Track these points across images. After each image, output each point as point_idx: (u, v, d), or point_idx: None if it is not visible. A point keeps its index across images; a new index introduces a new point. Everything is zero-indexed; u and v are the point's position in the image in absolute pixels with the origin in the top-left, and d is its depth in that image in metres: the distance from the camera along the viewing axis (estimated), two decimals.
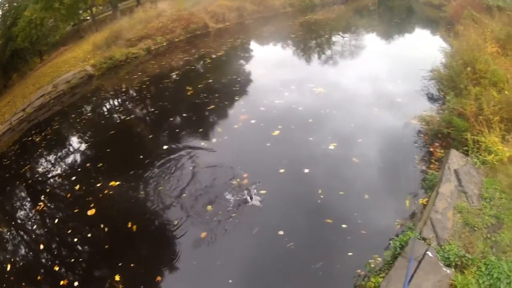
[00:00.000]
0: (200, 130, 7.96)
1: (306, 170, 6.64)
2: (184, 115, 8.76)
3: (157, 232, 5.65)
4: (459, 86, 8.17)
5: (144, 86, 9.98)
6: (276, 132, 7.70)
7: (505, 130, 7.56)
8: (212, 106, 8.90)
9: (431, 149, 7.50)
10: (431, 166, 6.97)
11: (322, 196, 6.17)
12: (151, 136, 7.87)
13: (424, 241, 5.43)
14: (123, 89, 10.06)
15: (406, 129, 8.01)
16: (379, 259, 5.19)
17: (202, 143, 7.51)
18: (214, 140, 7.69)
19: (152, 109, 9.19)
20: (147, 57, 11.98)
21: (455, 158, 6.53)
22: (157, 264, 5.21)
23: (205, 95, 9.16)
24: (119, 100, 9.76)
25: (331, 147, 7.36)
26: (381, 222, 5.72)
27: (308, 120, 8.18)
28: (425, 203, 6.16)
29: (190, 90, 9.43)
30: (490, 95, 7.80)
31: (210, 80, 9.95)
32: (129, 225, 5.63)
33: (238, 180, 6.50)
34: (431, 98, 9.56)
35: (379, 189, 6.34)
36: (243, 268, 4.98)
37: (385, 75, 10.13)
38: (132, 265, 5.12)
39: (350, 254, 5.25)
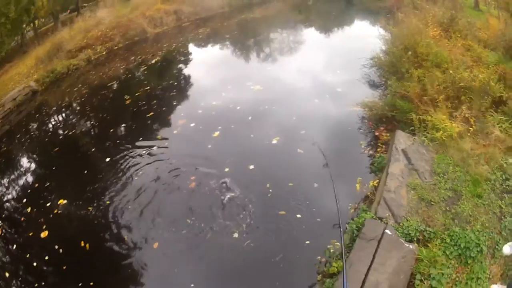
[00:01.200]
0: (141, 139, 8.00)
1: (251, 167, 6.92)
2: (124, 125, 8.83)
3: (110, 248, 5.84)
4: (401, 70, 8.68)
5: (84, 99, 10.38)
6: (216, 133, 8.05)
7: (452, 107, 7.93)
8: (151, 113, 9.01)
9: (377, 134, 7.91)
10: (378, 149, 7.33)
11: (271, 190, 6.42)
12: (93, 149, 7.85)
13: (381, 220, 5.59)
14: (65, 103, 10.32)
15: (349, 117, 8.42)
16: (338, 243, 5.39)
17: (143, 152, 7.52)
18: (155, 148, 7.71)
19: (93, 122, 9.30)
20: (88, 67, 12.18)
21: (402, 139, 6.82)
22: (116, 279, 5.43)
23: (143, 102, 9.37)
24: (62, 115, 10.02)
25: (274, 141, 7.66)
26: (335, 208, 5.99)
27: (248, 118, 8.55)
28: (376, 184, 6.31)
29: (128, 99, 9.83)
30: (434, 76, 8.31)
31: (148, 87, 10.28)
32: (82, 244, 5.83)
33: (185, 185, 6.76)
34: (373, 85, 10.09)
35: (327, 177, 6.65)
36: (202, 273, 5.21)
37: (325, 67, 10.76)
38: (91, 283, 5.28)
39: (307, 242, 5.48)
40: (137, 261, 5.36)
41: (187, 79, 11.38)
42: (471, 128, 7.62)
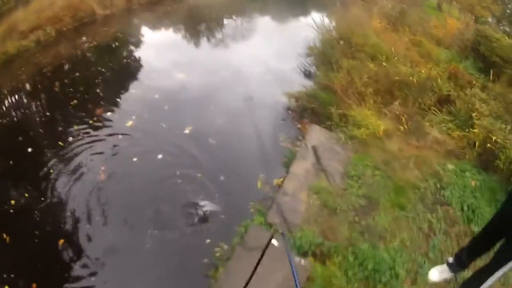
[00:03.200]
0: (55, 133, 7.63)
1: (160, 156, 6.97)
2: (42, 113, 8.54)
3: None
4: (331, 60, 8.24)
5: (31, 81, 9.92)
6: (130, 123, 7.90)
7: (382, 103, 7.61)
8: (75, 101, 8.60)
9: (299, 125, 7.84)
10: (298, 143, 7.17)
11: (179, 181, 6.41)
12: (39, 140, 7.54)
13: (270, 227, 5.16)
14: (13, 86, 9.73)
15: (274, 107, 8.46)
16: (226, 246, 5.19)
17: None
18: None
19: (37, 105, 8.94)
20: (37, 49, 11.87)
21: (316, 134, 6.40)
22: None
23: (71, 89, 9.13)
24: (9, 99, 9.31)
25: (187, 131, 7.64)
26: (237, 205, 5.93)
27: (164, 107, 8.53)
28: (281, 183, 5.74)
29: (57, 86, 9.33)
30: (364, 68, 8.35)
31: (77, 74, 10.04)
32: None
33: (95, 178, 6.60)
34: (307, 76, 10.07)
35: (235, 170, 6.70)
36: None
37: (263, 55, 10.99)
38: None
39: (208, 241, 5.38)
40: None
41: (133, 62, 11.30)
42: (401, 127, 7.40)
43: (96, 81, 9.70)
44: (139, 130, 7.61)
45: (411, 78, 8.21)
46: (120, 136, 7.46)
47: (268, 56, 10.89)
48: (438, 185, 5.97)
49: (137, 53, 11.88)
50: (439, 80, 8.18)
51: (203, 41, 13.18)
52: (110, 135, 7.52)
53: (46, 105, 8.73)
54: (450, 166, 6.75)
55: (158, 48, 11.96)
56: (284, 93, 8.58)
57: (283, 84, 9.30)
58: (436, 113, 7.95)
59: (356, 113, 7.08)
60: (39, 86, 9.56)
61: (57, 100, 8.69)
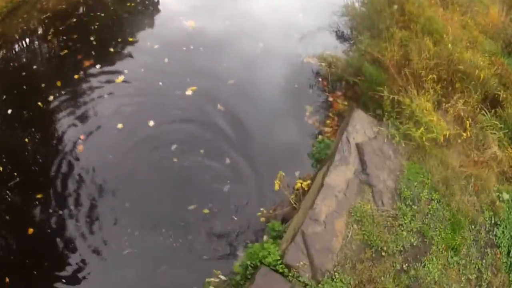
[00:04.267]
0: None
1: (152, 123, 5.65)
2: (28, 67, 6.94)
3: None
4: (378, 26, 5.79)
5: (41, 26, 8.05)
6: (120, 78, 6.42)
7: (442, 95, 5.70)
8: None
9: (331, 99, 6.29)
10: (328, 122, 5.80)
11: (176, 160, 5.17)
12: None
13: (288, 271, 3.34)
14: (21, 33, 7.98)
15: (300, 69, 6.81)
16: (222, 277, 3.88)
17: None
18: None
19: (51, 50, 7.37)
20: None
21: (360, 124, 4.01)
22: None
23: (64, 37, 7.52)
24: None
25: (189, 92, 6.22)
26: (247, 209, 4.75)
27: (164, 60, 6.86)
28: (306, 187, 4.33)
29: (51, 34, 7.70)
30: (424, 44, 6.00)
31: (74, 19, 8.05)
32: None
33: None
34: (340, 37, 7.89)
35: (246, 154, 5.29)
36: None
37: (288, 7, 8.75)
38: None
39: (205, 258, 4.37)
40: None
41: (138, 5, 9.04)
42: (464, 134, 5.33)
43: (92, 27, 7.96)
44: (129, 88, 6.23)
45: (477, 70, 5.77)
46: (105, 95, 6.12)
47: (294, 10, 8.66)
48: (493, 220, 4.73)
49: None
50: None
51: None
52: (93, 99, 6.10)
53: (33, 57, 7.34)
54: (506, 196, 5.17)
55: None
56: (313, 54, 6.83)
57: (310, 44, 7.25)
58: (485, 114, 5.86)
59: (415, 105, 4.61)
60: (34, 34, 8.04)
61: (47, 50, 7.45)
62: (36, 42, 7.63)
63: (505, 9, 12.68)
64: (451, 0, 9.14)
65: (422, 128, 4.84)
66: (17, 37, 7.62)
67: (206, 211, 4.77)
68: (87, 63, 6.69)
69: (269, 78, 6.52)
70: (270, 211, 4.39)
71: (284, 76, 6.57)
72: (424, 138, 4.71)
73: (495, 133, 5.79)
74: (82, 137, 5.39)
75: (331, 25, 7.94)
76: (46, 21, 7.96)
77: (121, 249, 4.38)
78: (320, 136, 5.24)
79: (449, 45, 6.06)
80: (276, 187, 4.28)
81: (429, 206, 4.40)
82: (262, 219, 4.44)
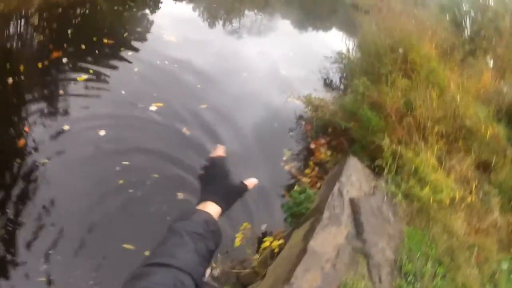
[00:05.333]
0: None
1: (102, 133, 4.68)
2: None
3: None
4: (379, 71, 4.98)
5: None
6: (83, 77, 5.74)
7: (446, 151, 5.05)
8: None
9: (313, 146, 5.44)
10: (306, 172, 4.93)
11: (121, 182, 4.13)
12: None
13: None
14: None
15: (281, 109, 6.13)
16: None
17: None
18: None
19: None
20: None
21: (356, 176, 3.18)
22: None
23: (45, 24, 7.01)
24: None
25: (153, 107, 5.36)
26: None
27: (134, 78, 6.08)
28: (276, 248, 3.39)
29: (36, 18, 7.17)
30: (429, 94, 5.27)
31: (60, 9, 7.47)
32: None
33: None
34: (328, 85, 7.35)
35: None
36: None
37: (276, 56, 8.27)
38: None
39: None
40: None
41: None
42: (469, 198, 4.57)
43: (74, 21, 7.53)
44: (87, 89, 5.48)
45: (482, 127, 5.09)
46: (60, 91, 5.39)
47: (282, 58, 8.24)
48: None
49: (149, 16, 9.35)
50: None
51: (218, 24, 10.79)
52: (48, 92, 5.39)
53: (11, 36, 6.74)
54: (504, 266, 4.49)
55: (171, 18, 9.28)
56: (298, 96, 5.94)
57: (296, 88, 6.46)
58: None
59: (419, 160, 3.78)
60: (20, 15, 7.27)
61: (26, 33, 6.93)
62: (20, 22, 7.13)
63: (497, 75, 12.38)
64: (450, 58, 8.69)
65: (427, 188, 3.98)
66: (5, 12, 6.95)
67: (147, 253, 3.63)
68: (55, 54, 6.01)
69: (245, 113, 5.85)
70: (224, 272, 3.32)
71: (263, 114, 5.87)
72: (429, 199, 3.82)
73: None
74: (27, 129, 4.54)
75: (321, 71, 7.44)
76: (36, 5, 7.42)
77: None
78: (297, 187, 4.25)
79: (457, 97, 5.38)
80: (237, 242, 3.29)
81: (433, 283, 3.50)
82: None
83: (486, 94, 9.54)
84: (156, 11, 9.94)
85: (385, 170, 3.92)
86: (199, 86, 6.25)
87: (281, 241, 3.34)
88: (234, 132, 5.36)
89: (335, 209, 3.02)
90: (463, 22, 10.37)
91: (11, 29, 6.83)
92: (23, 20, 7.18)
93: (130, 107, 5.29)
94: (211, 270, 3.32)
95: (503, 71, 13.61)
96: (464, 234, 4.44)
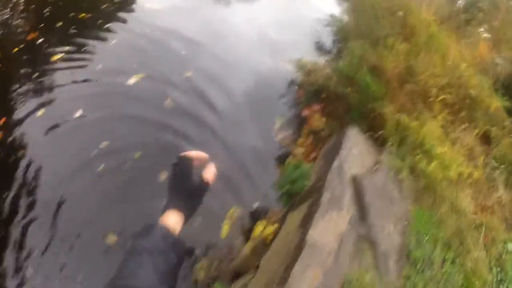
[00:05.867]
0: None
1: (79, 113, 4.19)
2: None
3: None
4: (377, 33, 4.36)
5: None
6: (56, 57, 5.09)
7: (450, 121, 4.44)
8: None
9: (306, 113, 4.83)
10: (300, 141, 4.32)
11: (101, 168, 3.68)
12: None
13: None
14: None
15: (272, 74, 5.50)
16: None
17: None
18: None
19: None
20: None
21: (358, 149, 2.56)
22: None
23: None
24: None
25: (132, 80, 4.73)
26: None
27: (111, 42, 5.55)
28: (271, 234, 2.81)
29: None
30: (432, 60, 4.75)
31: None
32: None
33: None
34: (321, 48, 6.55)
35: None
36: None
37: (271, 21, 7.47)
38: None
39: None
40: None
41: None
42: (475, 172, 4.03)
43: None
44: (63, 71, 4.88)
45: (487, 98, 4.64)
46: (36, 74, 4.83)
47: (271, 23, 7.46)
48: (499, 277, 3.55)
49: None
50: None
51: None
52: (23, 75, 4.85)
53: None
54: (510, 247, 4.02)
55: None
56: (289, 60, 5.39)
57: (287, 51, 5.95)
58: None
59: (425, 130, 3.24)
60: None
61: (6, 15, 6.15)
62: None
63: (492, 46, 11.90)
64: (447, 25, 8.16)
65: (435, 162, 3.46)
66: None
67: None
68: (31, 36, 5.51)
69: (234, 78, 5.28)
70: (213, 267, 2.79)
71: (253, 79, 5.25)
72: (440, 176, 3.31)
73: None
74: (3, 120, 4.08)
75: (313, 35, 6.71)
76: None
77: None
78: (291, 158, 3.70)
79: (461, 64, 4.87)
80: (224, 232, 2.74)
81: (443, 270, 3.09)
82: (201, 274, 2.83)
83: (483, 63, 9.07)
84: None
85: (387, 143, 3.36)
86: (183, 52, 5.64)
87: (275, 226, 2.80)
88: (222, 98, 4.82)
89: (335, 189, 2.47)
90: None
91: None
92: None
93: (109, 82, 4.74)
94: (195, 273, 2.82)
95: (498, 43, 13.15)
96: (471, 212, 4.01)
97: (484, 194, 4.41)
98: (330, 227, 2.29)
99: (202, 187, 0.96)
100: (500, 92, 6.88)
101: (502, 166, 4.68)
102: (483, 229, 3.86)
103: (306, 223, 2.27)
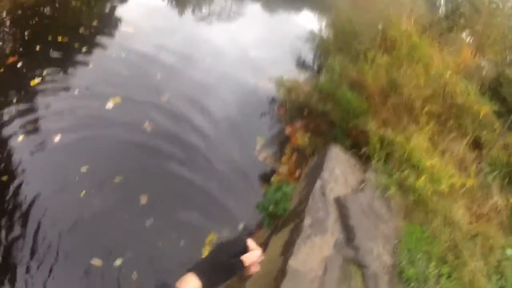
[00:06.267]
0: None
1: (58, 138, 4.13)
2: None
3: None
4: (356, 48, 4.41)
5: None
6: (36, 81, 5.07)
7: (437, 132, 4.45)
8: None
9: (288, 131, 4.81)
10: (283, 159, 4.27)
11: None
12: None
13: None
14: None
15: (253, 93, 5.50)
16: None
17: None
18: None
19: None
20: None
21: (340, 169, 2.41)
22: None
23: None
24: None
25: (109, 104, 4.71)
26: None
27: (89, 66, 5.50)
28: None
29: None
30: (415, 71, 4.73)
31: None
32: None
33: None
34: (301, 65, 6.54)
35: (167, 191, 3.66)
36: None
37: (246, 41, 7.53)
38: None
39: None
40: None
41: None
42: (468, 181, 3.96)
43: (31, 22, 6.63)
44: (42, 95, 4.85)
45: (475, 105, 4.61)
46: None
47: (252, 41, 7.50)
48: (499, 284, 3.50)
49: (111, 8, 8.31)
50: None
51: (187, 12, 9.71)
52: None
53: None
54: (509, 252, 4.04)
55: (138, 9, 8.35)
56: (270, 78, 5.29)
57: (267, 70, 5.86)
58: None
59: (412, 145, 3.19)
60: None
61: None
62: None
63: (476, 51, 11.90)
64: (429, 34, 8.18)
65: (424, 176, 3.38)
66: None
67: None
68: (10, 60, 5.44)
69: (214, 100, 5.18)
70: None
71: (234, 99, 5.20)
72: (429, 190, 3.22)
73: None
74: None
75: (293, 52, 6.68)
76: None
77: None
78: (275, 177, 3.62)
79: (445, 73, 4.85)
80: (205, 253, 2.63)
81: (439, 286, 2.99)
82: None
83: (467, 69, 9.05)
84: (119, 3, 9.17)
85: (373, 159, 3.28)
86: (160, 76, 5.52)
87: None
88: (203, 119, 4.72)
89: (318, 212, 2.37)
90: (438, 1, 9.90)
91: None
92: None
93: (87, 105, 4.65)
94: None
95: (481, 47, 13.17)
96: (466, 223, 3.90)
97: (479, 202, 4.32)
98: (313, 253, 2.20)
99: (236, 266, 0.88)
100: (487, 95, 6.87)
101: (496, 171, 4.60)
102: (480, 239, 3.77)
103: (287, 250, 2.17)
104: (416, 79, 4.76)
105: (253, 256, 0.88)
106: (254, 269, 0.89)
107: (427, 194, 3.32)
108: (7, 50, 5.81)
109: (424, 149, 3.67)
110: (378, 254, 2.50)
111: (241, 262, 0.87)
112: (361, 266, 2.38)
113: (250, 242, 0.90)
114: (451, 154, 4.35)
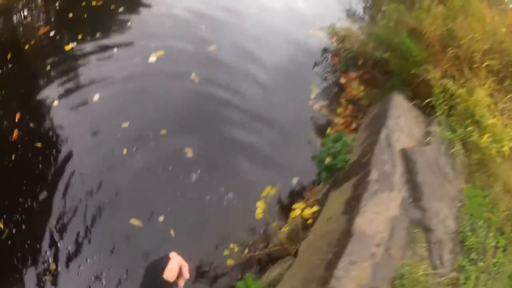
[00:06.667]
0: None
1: (96, 97, 3.95)
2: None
3: None
4: None
5: None
6: (70, 46, 4.80)
7: (496, 89, 3.77)
8: None
9: (343, 81, 4.38)
10: (339, 110, 3.87)
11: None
12: None
13: None
14: None
15: (304, 44, 4.99)
16: None
17: None
18: None
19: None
20: None
21: (405, 119, 1.92)
22: None
23: None
24: None
25: (153, 58, 4.41)
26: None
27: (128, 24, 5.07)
28: (310, 217, 2.41)
29: None
30: (471, 25, 4.12)
31: None
32: None
33: None
34: (352, 15, 5.84)
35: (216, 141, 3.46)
36: None
37: None
38: None
39: None
40: None
41: None
42: None
43: None
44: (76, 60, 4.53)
45: None
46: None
47: None
48: None
49: None
50: None
51: None
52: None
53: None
54: None
55: None
56: (321, 27, 4.93)
57: (317, 20, 5.41)
58: None
59: (474, 99, 2.69)
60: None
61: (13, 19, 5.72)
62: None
63: None
64: None
65: (487, 135, 2.95)
66: None
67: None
68: (42, 31, 5.18)
69: (264, 50, 4.86)
70: (245, 252, 2.38)
71: (284, 49, 4.84)
72: (493, 150, 2.80)
73: None
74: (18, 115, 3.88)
75: (343, 3, 6.04)
76: None
77: None
78: (329, 131, 3.25)
79: (501, 29, 4.32)
80: (259, 214, 2.30)
81: (494, 260, 2.62)
82: (230, 261, 2.42)
83: None
84: None
85: (437, 111, 2.85)
86: (203, 29, 5.13)
87: (314, 209, 2.35)
88: (256, 69, 4.45)
89: (384, 166, 1.98)
90: None
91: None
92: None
93: (125, 62, 4.45)
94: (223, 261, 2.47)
95: None
96: None
97: None
98: (380, 211, 1.83)
99: (164, 286, 0.83)
100: None
101: None
102: None
103: (351, 208, 1.81)
104: (472, 32, 4.27)
105: (172, 268, 0.83)
106: (182, 282, 0.86)
107: (491, 154, 2.93)
108: (39, 23, 5.57)
109: (486, 106, 3.24)
110: (444, 218, 2.13)
111: (166, 281, 0.83)
112: (426, 230, 2.02)
113: (172, 254, 0.87)
114: (509, 115, 3.90)
